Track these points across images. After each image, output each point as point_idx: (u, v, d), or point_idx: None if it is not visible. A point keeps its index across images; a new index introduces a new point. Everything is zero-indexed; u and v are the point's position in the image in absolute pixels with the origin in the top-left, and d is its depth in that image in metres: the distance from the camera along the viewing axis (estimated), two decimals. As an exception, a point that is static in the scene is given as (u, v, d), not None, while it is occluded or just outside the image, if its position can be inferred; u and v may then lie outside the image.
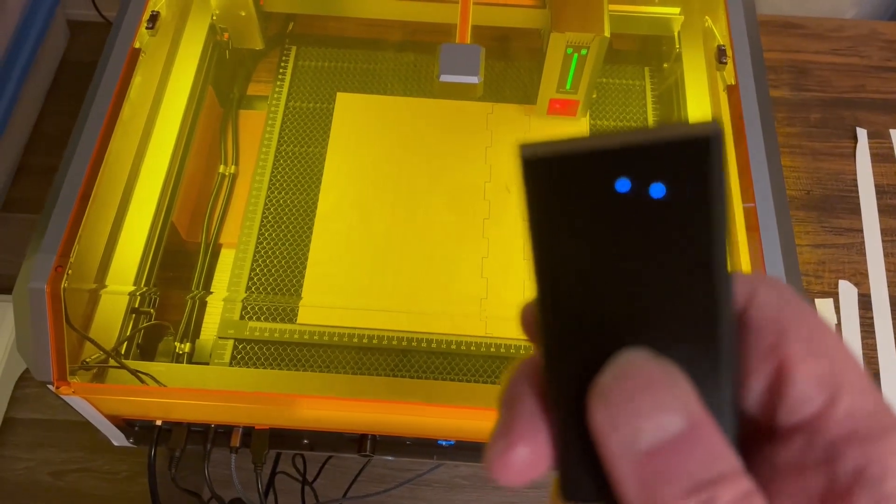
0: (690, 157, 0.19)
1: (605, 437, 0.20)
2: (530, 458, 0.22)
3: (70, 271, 0.60)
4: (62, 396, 0.61)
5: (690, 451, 0.19)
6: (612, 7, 0.82)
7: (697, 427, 0.19)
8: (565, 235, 0.20)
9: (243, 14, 0.83)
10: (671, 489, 0.19)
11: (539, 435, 0.22)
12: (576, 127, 0.83)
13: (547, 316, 0.21)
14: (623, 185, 0.19)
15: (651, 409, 0.19)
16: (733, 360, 0.21)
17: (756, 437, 0.22)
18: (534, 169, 0.19)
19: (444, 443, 0.69)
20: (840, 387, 0.20)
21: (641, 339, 0.21)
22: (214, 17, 0.83)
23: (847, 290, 0.85)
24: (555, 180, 0.19)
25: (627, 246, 0.20)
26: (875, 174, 0.93)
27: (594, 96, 0.85)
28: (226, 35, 0.85)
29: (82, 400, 0.62)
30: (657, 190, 0.19)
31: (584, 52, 0.74)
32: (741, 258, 0.66)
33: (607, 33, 0.72)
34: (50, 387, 0.61)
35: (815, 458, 0.20)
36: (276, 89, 0.86)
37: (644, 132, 0.19)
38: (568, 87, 0.78)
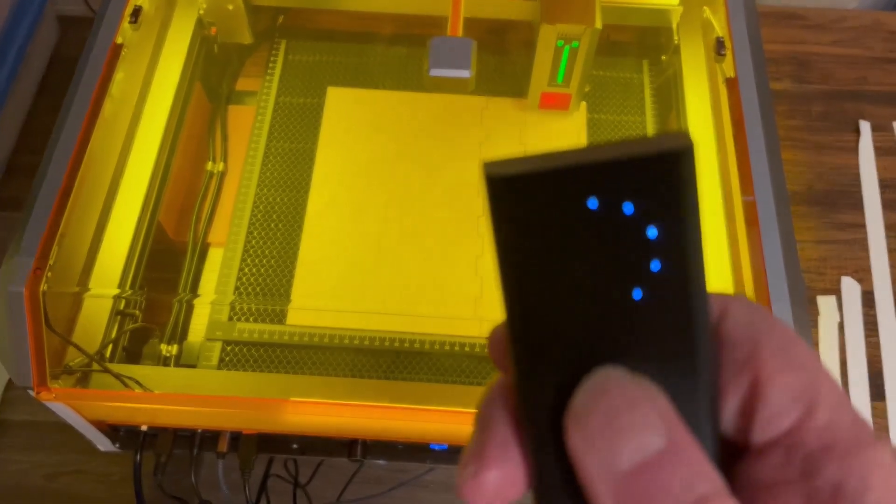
0: (661, 173, 0.18)
1: (582, 458, 0.19)
2: (502, 481, 0.21)
3: (50, 273, 0.59)
4: (43, 403, 0.60)
5: (672, 472, 0.19)
6: (609, -2, 0.80)
7: (678, 446, 0.19)
8: (535, 254, 0.19)
9: (231, 8, 0.81)
10: None
11: (512, 458, 0.21)
12: (571, 120, 0.82)
13: (518, 337, 0.21)
14: (593, 203, 0.18)
15: (629, 429, 0.19)
16: (711, 378, 0.21)
17: (732, 455, 0.21)
18: (500, 187, 0.19)
19: (436, 447, 0.68)
20: (816, 400, 0.20)
21: (617, 359, 0.20)
22: (201, 12, 0.81)
23: (850, 287, 0.83)
24: (522, 199, 0.19)
25: (600, 264, 0.19)
26: (879, 168, 0.91)
27: (587, 90, 0.83)
28: (213, 30, 0.83)
29: (65, 406, 0.61)
30: (629, 207, 0.18)
31: (575, 44, 0.72)
32: (741, 254, 0.65)
33: (599, 25, 0.71)
34: (30, 392, 0.60)
35: (793, 473, 0.19)
36: (266, 84, 0.85)
37: (613, 147, 0.18)
38: (559, 80, 0.77)
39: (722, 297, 0.22)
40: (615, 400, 0.19)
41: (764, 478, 0.20)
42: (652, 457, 0.19)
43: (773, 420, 0.20)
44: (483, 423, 0.22)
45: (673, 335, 0.20)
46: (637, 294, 0.19)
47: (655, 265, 0.19)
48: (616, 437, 0.19)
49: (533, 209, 0.19)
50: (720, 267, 0.67)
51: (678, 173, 0.18)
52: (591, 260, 0.19)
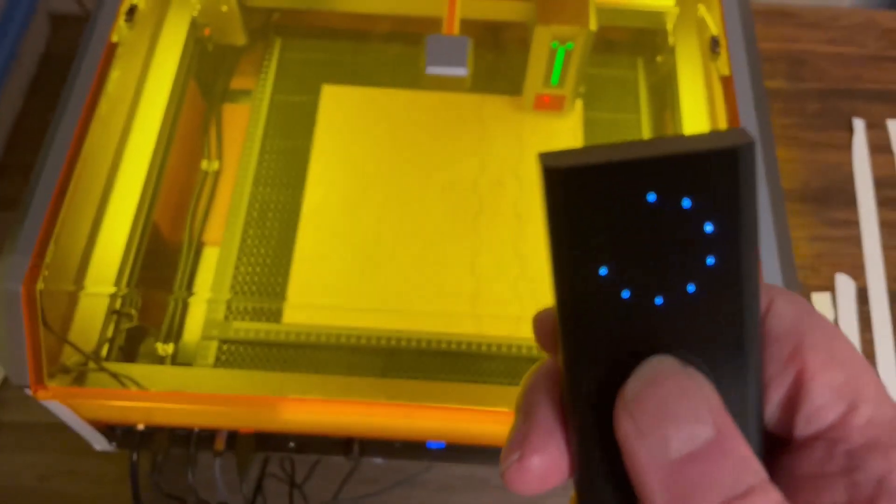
0: (721, 170, 0.18)
1: (632, 445, 0.20)
2: (546, 468, 0.22)
3: (46, 272, 0.59)
4: (40, 401, 0.60)
5: (720, 462, 0.19)
6: (605, -1, 0.80)
7: (726, 438, 0.19)
8: (590, 246, 0.20)
9: (225, 10, 0.81)
10: (703, 500, 0.19)
11: (556, 445, 0.22)
12: (567, 119, 0.82)
13: (569, 326, 0.21)
14: (652, 197, 0.19)
15: (680, 418, 0.19)
16: (758, 372, 0.21)
17: (775, 448, 0.22)
18: (557, 179, 0.19)
19: (433, 446, 0.67)
20: (859, 396, 0.20)
21: (668, 350, 0.21)
22: (195, 13, 0.81)
23: (844, 284, 0.84)
24: (579, 191, 0.19)
25: (655, 257, 0.20)
26: (873, 166, 0.91)
27: (582, 90, 0.83)
28: (207, 31, 0.83)
29: (61, 404, 0.61)
30: (687, 202, 0.19)
31: (569, 45, 0.72)
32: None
33: (593, 27, 0.71)
34: (27, 391, 0.59)
35: (836, 468, 0.20)
36: (261, 82, 0.85)
37: (673, 142, 0.18)
38: (554, 82, 0.77)
39: (767, 289, 0.22)
40: (667, 389, 0.20)
41: (806, 471, 0.20)
42: (701, 447, 0.19)
43: (817, 415, 0.21)
44: (527, 409, 0.23)
45: (724, 329, 0.20)
46: (691, 288, 0.20)
47: (711, 260, 0.19)
48: (667, 426, 0.19)
49: (589, 201, 0.19)
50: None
51: (737, 170, 0.18)
52: (646, 253, 0.19)
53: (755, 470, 0.19)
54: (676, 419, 0.19)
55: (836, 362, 0.21)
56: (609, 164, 0.19)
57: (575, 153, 0.19)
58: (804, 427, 0.21)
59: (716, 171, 0.18)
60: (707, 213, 0.19)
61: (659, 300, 0.20)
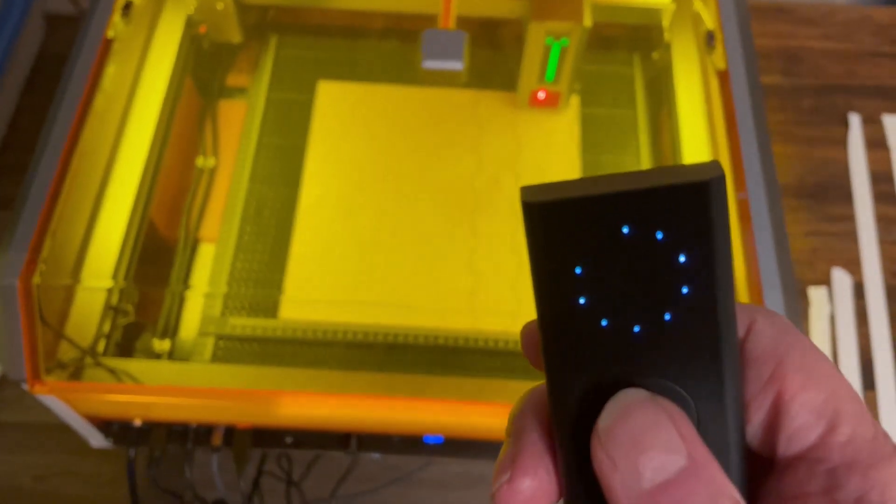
0: (692, 203, 0.19)
1: (607, 476, 0.21)
2: (535, 490, 0.22)
3: (43, 266, 0.59)
4: (37, 396, 0.60)
5: (693, 489, 0.19)
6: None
7: (699, 464, 0.20)
8: (570, 277, 0.20)
9: (220, 7, 0.81)
10: None
11: (544, 468, 0.23)
12: (563, 114, 0.82)
13: (551, 353, 0.22)
14: (626, 229, 0.19)
15: (653, 448, 0.20)
16: (738, 397, 0.22)
17: (760, 468, 0.22)
18: (537, 213, 0.20)
19: (430, 441, 0.67)
20: (838, 415, 0.21)
21: (648, 377, 0.21)
22: (191, 12, 0.81)
23: (840, 279, 0.84)
24: (557, 224, 0.20)
25: (632, 287, 0.20)
26: (869, 161, 0.92)
27: (578, 87, 0.83)
28: (203, 28, 0.83)
29: (58, 400, 0.61)
30: (661, 234, 0.19)
31: (564, 42, 0.72)
32: (733, 250, 0.65)
33: (588, 23, 0.71)
34: (24, 386, 0.59)
35: (817, 487, 0.20)
36: (257, 79, 0.85)
37: (646, 176, 0.19)
38: (549, 78, 0.77)
39: (748, 309, 0.22)
40: (638, 421, 0.20)
41: (790, 491, 0.21)
42: (674, 476, 0.20)
43: (797, 436, 0.21)
44: (517, 432, 0.23)
45: (702, 356, 0.21)
46: (668, 316, 0.20)
47: (685, 290, 0.20)
48: (639, 458, 0.20)
49: (567, 234, 0.20)
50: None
51: (708, 203, 0.19)
52: (623, 283, 0.20)
53: (729, 494, 0.20)
54: (648, 450, 0.20)
55: (815, 382, 0.21)
56: (584, 198, 0.19)
57: (554, 187, 0.20)
58: (786, 448, 0.21)
59: (688, 203, 0.19)
60: (680, 244, 0.19)
61: (637, 328, 0.21)
